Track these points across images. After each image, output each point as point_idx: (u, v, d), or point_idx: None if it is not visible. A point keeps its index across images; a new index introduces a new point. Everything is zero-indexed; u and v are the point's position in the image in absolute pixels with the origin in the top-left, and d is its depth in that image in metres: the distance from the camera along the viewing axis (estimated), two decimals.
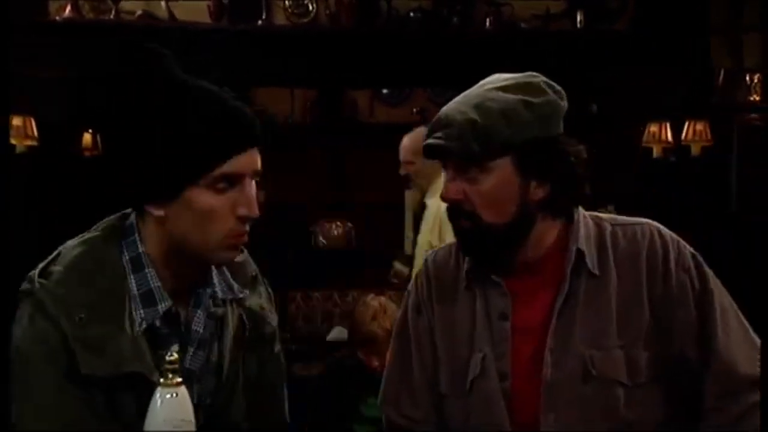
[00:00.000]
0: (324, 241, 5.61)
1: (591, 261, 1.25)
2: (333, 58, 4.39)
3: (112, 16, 4.16)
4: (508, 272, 1.28)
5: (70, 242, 1.16)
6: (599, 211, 1.33)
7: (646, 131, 4.36)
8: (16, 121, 3.93)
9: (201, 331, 1.19)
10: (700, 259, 1.28)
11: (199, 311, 1.19)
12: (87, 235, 1.17)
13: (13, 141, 3.93)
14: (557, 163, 1.23)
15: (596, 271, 1.25)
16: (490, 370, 1.26)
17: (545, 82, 1.26)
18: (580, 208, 1.31)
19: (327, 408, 2.52)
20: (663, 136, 4.34)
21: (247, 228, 1.15)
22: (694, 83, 4.38)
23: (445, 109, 1.26)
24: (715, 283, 1.27)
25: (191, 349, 1.18)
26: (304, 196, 5.32)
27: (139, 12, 4.19)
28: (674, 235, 1.30)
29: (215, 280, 1.21)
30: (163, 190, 1.10)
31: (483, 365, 1.26)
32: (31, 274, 1.11)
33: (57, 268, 1.11)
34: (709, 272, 1.27)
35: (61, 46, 4.09)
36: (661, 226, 1.31)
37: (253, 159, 1.13)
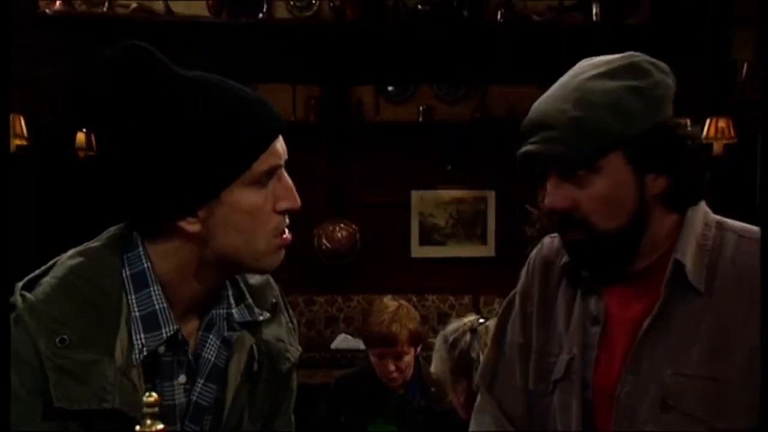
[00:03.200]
0: (327, 243, 5.61)
1: (695, 275, 1.14)
2: (337, 53, 4.40)
3: (105, 10, 4.17)
4: (620, 281, 1.20)
5: (68, 252, 1.08)
6: None
7: None
8: None
9: (213, 359, 1.09)
10: None
11: (211, 336, 1.10)
12: (87, 245, 1.09)
13: None
14: (675, 150, 1.14)
15: (701, 288, 1.13)
16: (574, 375, 1.20)
17: (648, 61, 1.17)
18: (707, 213, 1.21)
19: (334, 427, 2.50)
20: None
21: (287, 224, 1.09)
22: (716, 78, 4.37)
23: (537, 107, 1.17)
24: None
25: (200, 381, 1.08)
26: (306, 197, 5.30)
27: (134, 5, 4.20)
28: None
29: (232, 299, 1.13)
30: (201, 196, 1.02)
31: (568, 368, 1.21)
32: (17, 285, 1.03)
33: (47, 280, 1.03)
34: None
35: (52, 41, 4.11)
36: None
37: (284, 146, 1.09)
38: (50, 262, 1.07)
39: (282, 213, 1.07)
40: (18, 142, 4.02)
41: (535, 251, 1.35)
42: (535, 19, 4.40)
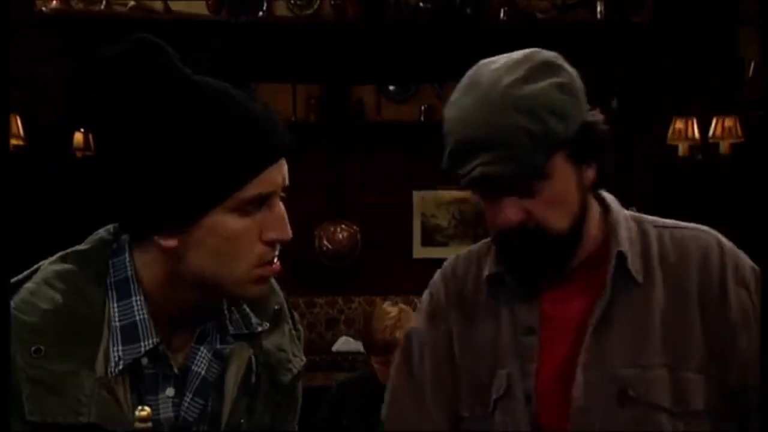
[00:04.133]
0: (328, 244, 5.61)
1: (634, 266, 1.17)
2: (338, 52, 4.40)
3: (102, 8, 4.18)
4: (555, 282, 1.20)
5: (52, 257, 1.04)
6: None
7: (671, 128, 4.35)
8: None
9: (202, 373, 1.05)
10: (759, 274, 1.17)
11: (202, 348, 1.06)
12: (72, 249, 1.04)
13: None
14: (600, 139, 1.16)
15: (640, 279, 1.16)
16: (516, 390, 1.18)
17: (554, 55, 1.17)
18: (620, 208, 1.24)
19: (335, 430, 2.50)
20: (689, 133, 4.32)
21: (277, 253, 1.02)
22: (723, 76, 4.37)
23: (467, 122, 1.13)
24: None
25: (188, 395, 1.03)
26: (307, 198, 5.33)
27: (131, 4, 4.20)
28: (732, 245, 1.20)
29: (226, 310, 1.08)
30: (179, 218, 0.96)
31: (508, 384, 1.18)
32: None
33: (27, 286, 0.99)
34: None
35: (49, 40, 4.11)
36: (718, 234, 1.21)
37: (283, 172, 1.01)
38: (34, 267, 1.04)
39: (269, 243, 1.00)
40: (15, 141, 4.02)
41: (437, 277, 1.33)
42: (539, 17, 4.40)
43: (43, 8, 4.06)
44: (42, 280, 1.00)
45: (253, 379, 1.08)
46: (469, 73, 1.19)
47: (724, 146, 4.28)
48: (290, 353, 1.14)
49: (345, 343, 5.26)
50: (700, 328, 1.14)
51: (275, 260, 1.02)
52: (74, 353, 0.96)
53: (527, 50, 1.17)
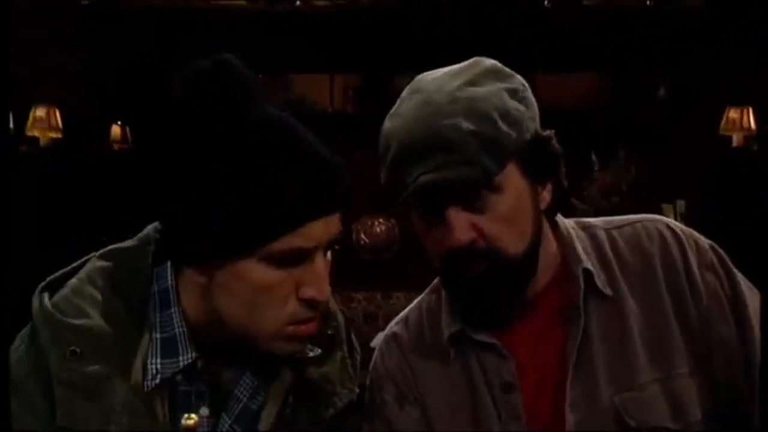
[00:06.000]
0: (365, 239, 5.62)
1: (600, 281, 1.10)
2: (376, 40, 4.39)
3: None
4: (513, 318, 1.13)
5: (100, 251, 1.02)
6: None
7: (725, 118, 4.26)
8: (40, 112, 4.04)
9: (245, 399, 1.01)
10: (720, 251, 1.13)
11: (247, 372, 1.02)
12: (120, 246, 1.02)
13: (36, 133, 4.05)
14: (554, 155, 1.10)
15: (609, 292, 1.10)
16: None
17: (499, 64, 1.12)
18: (563, 218, 1.17)
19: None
20: (744, 123, 4.23)
21: (314, 314, 0.96)
22: None
23: (411, 130, 1.04)
24: (744, 281, 1.11)
25: (227, 420, 1.00)
26: None
27: None
28: (684, 227, 1.15)
29: None
30: (203, 256, 0.93)
31: None
32: (41, 285, 0.98)
33: (73, 282, 0.98)
34: (732, 267, 1.12)
35: (87, 32, 4.18)
36: (666, 218, 1.16)
37: (331, 227, 0.94)
38: (81, 260, 1.02)
39: (305, 301, 0.95)
40: (54, 135, 4.10)
41: (389, 350, 1.22)
42: (585, 3, 4.34)
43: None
44: (86, 277, 0.98)
45: (287, 411, 1.03)
46: (409, 85, 1.13)
47: None
48: (338, 385, 1.07)
49: None
50: (677, 327, 1.08)
51: (310, 321, 0.96)
52: (110, 357, 0.94)
53: (471, 59, 1.12)
